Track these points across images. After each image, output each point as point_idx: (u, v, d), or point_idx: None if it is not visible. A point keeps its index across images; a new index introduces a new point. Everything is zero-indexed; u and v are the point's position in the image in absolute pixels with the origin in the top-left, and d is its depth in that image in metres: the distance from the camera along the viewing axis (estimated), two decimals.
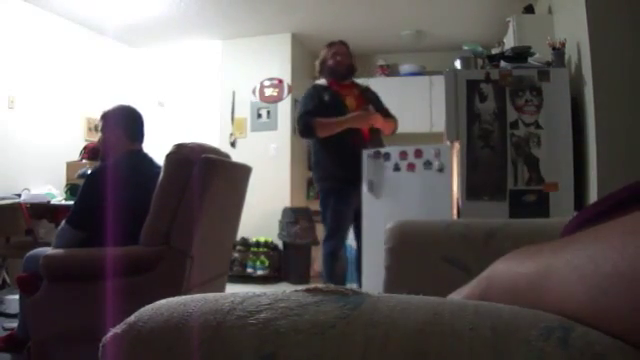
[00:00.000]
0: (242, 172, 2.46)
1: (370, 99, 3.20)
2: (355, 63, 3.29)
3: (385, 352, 0.32)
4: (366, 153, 3.07)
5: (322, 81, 3.29)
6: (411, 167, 3.04)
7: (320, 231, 4.86)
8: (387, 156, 3.08)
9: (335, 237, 3.07)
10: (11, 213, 3.21)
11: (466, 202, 2.91)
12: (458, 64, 3.16)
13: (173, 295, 0.42)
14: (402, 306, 0.36)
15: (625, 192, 0.62)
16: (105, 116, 2.35)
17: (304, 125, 3.05)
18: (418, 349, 0.32)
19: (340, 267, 3.10)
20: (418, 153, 3.03)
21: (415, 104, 5.24)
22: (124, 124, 2.30)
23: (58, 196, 3.82)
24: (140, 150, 2.34)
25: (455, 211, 2.96)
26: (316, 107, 3.05)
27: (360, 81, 3.41)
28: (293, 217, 4.81)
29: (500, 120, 2.92)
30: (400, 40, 5.41)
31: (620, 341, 0.30)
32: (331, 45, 3.27)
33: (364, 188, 3.08)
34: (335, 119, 2.99)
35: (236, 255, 4.80)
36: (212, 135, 5.28)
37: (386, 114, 3.23)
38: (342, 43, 3.28)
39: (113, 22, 4.83)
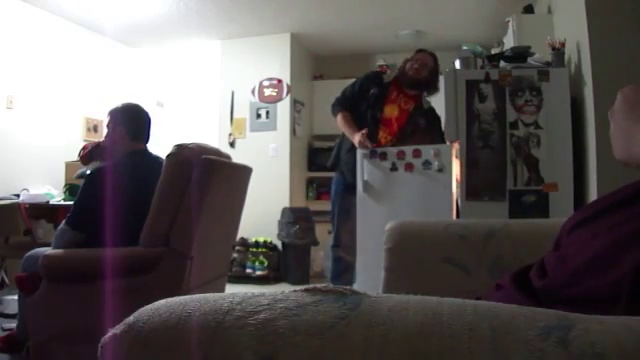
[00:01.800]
0: (242, 173, 2.46)
1: (416, 124, 3.11)
2: (434, 81, 3.16)
3: (384, 353, 0.32)
4: (360, 152, 3.05)
5: (389, 74, 3.23)
6: (409, 167, 3.02)
7: (319, 231, 4.88)
8: (383, 156, 3.06)
9: (342, 230, 3.13)
10: (10, 213, 3.20)
11: (466, 202, 2.91)
12: (457, 64, 3.16)
13: (172, 296, 0.42)
14: (401, 306, 0.36)
15: (613, 197, 0.63)
16: (110, 113, 2.34)
17: (332, 110, 3.22)
18: (417, 350, 0.32)
19: (344, 266, 3.11)
20: (417, 153, 3.02)
21: None
22: (127, 123, 2.28)
23: (57, 196, 3.81)
24: (143, 150, 2.32)
25: (454, 211, 2.96)
26: (353, 95, 3.14)
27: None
28: (292, 217, 4.80)
29: (500, 120, 2.91)
30: (399, 40, 5.40)
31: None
32: (420, 51, 3.20)
33: (359, 188, 3.07)
34: (348, 127, 3.07)
35: (235, 255, 4.80)
36: (211, 135, 5.27)
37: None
38: (431, 54, 3.21)
39: (113, 22, 4.82)
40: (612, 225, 0.60)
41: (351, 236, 3.06)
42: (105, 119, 2.39)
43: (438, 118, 3.24)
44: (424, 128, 3.15)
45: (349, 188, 3.10)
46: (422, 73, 3.11)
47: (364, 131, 2.97)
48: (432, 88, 3.17)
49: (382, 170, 3.05)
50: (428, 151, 3.00)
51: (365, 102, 3.10)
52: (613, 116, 0.58)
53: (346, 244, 3.11)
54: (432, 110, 3.23)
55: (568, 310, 0.36)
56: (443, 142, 3.12)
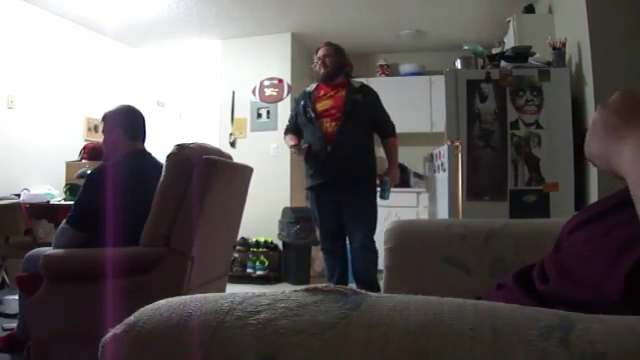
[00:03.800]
0: (243, 173, 2.46)
1: (354, 101, 3.07)
2: (343, 61, 3.19)
3: (385, 353, 0.32)
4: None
5: (312, 85, 3.28)
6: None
7: None
8: None
9: (320, 234, 3.23)
10: (10, 213, 3.20)
11: (466, 202, 2.91)
12: (458, 64, 3.16)
13: (173, 296, 0.42)
14: (402, 306, 0.36)
15: (613, 199, 0.63)
16: (105, 117, 2.34)
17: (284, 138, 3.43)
18: (418, 349, 0.32)
19: (332, 265, 3.16)
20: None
21: (415, 104, 5.24)
22: (124, 123, 2.29)
23: (57, 196, 3.81)
24: (142, 150, 2.33)
25: (459, 211, 2.96)
26: (292, 117, 3.34)
27: (361, 80, 3.32)
28: (293, 217, 4.80)
29: (500, 120, 2.91)
30: (400, 40, 5.40)
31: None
32: (316, 50, 3.25)
33: None
34: (290, 143, 3.27)
35: (236, 255, 4.80)
36: (212, 135, 5.27)
37: (377, 124, 3.16)
38: (326, 44, 3.23)
39: (113, 22, 4.82)
40: (613, 226, 0.60)
41: (327, 238, 3.17)
42: (100, 124, 2.40)
43: (374, 92, 3.20)
44: (363, 102, 3.10)
45: (318, 191, 3.16)
46: (328, 62, 3.15)
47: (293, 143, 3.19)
48: (345, 68, 3.20)
49: None
50: (432, 152, 3.02)
51: (301, 115, 3.18)
52: (604, 110, 0.57)
53: (326, 247, 3.19)
54: (365, 86, 3.21)
55: (569, 310, 0.36)
56: (385, 115, 3.17)
